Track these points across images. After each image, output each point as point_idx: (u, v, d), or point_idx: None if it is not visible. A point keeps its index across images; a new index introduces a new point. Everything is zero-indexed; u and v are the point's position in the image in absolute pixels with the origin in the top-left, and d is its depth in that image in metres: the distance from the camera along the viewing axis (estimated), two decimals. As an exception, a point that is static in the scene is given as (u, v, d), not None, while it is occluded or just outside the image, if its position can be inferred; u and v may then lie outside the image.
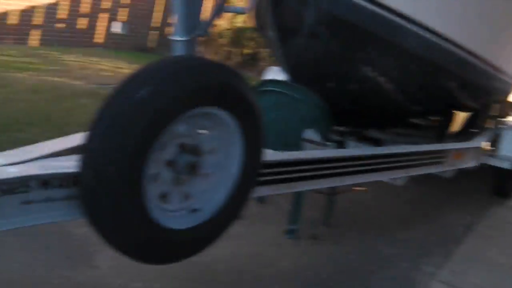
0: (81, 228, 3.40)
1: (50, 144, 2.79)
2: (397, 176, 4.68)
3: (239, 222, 2.91)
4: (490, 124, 7.69)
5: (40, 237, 3.88)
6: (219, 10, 3.27)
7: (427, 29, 4.68)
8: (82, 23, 13.37)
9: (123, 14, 14.06)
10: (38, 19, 12.42)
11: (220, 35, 11.48)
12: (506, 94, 7.40)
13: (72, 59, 11.50)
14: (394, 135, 6.61)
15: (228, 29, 11.93)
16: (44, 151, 2.60)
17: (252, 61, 12.44)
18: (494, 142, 6.89)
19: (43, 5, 12.34)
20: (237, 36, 11.59)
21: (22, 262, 3.65)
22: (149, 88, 2.28)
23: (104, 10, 13.68)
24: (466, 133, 7.70)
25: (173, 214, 2.61)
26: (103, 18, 13.67)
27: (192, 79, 2.44)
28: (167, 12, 13.88)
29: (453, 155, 5.49)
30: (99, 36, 13.76)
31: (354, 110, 5.24)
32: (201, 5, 3.25)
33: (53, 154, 2.60)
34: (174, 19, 3.20)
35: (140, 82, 2.32)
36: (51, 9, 12.58)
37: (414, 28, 4.59)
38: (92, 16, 13.47)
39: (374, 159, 4.35)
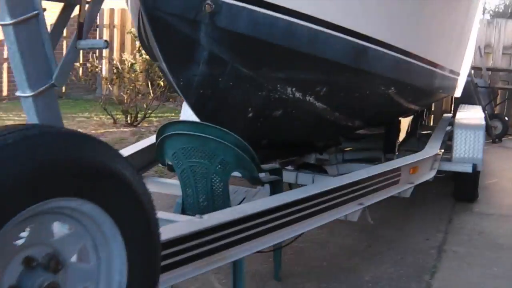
0: None
1: None
2: (352, 211, 3.87)
3: None
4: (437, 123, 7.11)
5: None
6: (72, 51, 2.38)
7: (350, 33, 3.92)
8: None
9: None
10: None
11: (131, 68, 10.57)
12: (451, 91, 6.74)
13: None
14: (338, 154, 5.87)
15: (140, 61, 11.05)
16: None
17: (172, 92, 11.57)
18: (446, 144, 6.24)
19: None
20: (151, 66, 10.76)
21: None
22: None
23: None
24: (413, 137, 7.06)
25: None
26: None
27: (39, 158, 1.62)
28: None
29: (409, 170, 4.74)
30: None
31: (282, 139, 4.44)
32: (50, 47, 2.34)
33: None
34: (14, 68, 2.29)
35: None
36: None
37: (336, 34, 3.81)
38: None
39: (320, 197, 3.54)
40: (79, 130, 1.95)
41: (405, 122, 6.17)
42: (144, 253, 1.94)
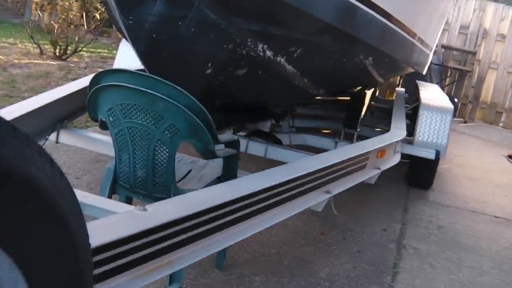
0: None
1: None
2: (319, 200, 3.26)
3: None
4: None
5: None
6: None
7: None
8: None
9: None
10: None
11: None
12: (423, 67, 6.19)
13: None
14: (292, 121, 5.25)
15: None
16: None
17: (108, 26, 10.62)
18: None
19: None
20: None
21: None
22: None
23: None
24: (368, 111, 6.52)
25: None
26: None
27: None
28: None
29: (376, 154, 4.17)
30: None
31: (239, 103, 3.77)
32: None
33: None
34: None
35: None
36: None
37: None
38: None
39: (286, 185, 2.90)
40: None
41: (368, 95, 5.59)
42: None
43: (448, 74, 11.30)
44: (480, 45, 11.29)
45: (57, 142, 3.70)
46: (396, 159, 4.65)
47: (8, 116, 2.93)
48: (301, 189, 3.06)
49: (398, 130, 4.82)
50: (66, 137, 3.71)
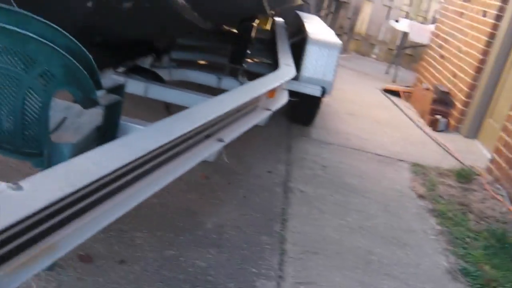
0: None
1: None
2: (213, 150, 2.94)
3: None
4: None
5: None
6: None
7: None
8: None
9: None
10: None
11: None
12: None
13: None
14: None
15: None
16: None
17: None
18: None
19: None
20: None
21: None
22: None
23: None
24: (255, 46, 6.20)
25: None
26: None
27: None
28: None
29: (267, 94, 3.89)
30: None
31: (121, 39, 3.33)
32: None
33: None
34: None
35: None
36: None
37: None
38: None
39: (180, 139, 2.55)
40: None
41: (255, 28, 5.27)
42: None
43: (326, 5, 11.17)
44: (356, -24, 11.25)
45: None
46: (284, 98, 4.40)
47: None
48: (195, 139, 2.73)
49: (287, 67, 4.55)
50: None
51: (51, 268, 2.57)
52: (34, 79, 2.22)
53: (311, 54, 5.10)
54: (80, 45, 2.25)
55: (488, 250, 3.87)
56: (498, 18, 6.66)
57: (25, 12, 2.19)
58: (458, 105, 6.97)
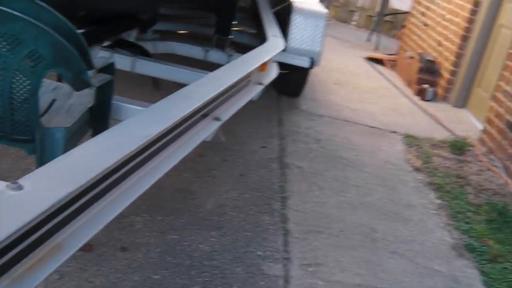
0: None
1: None
2: (212, 130, 2.78)
3: None
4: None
5: None
6: None
7: None
8: None
9: None
10: None
11: None
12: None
13: None
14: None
15: None
16: None
17: None
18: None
19: None
20: None
21: None
22: None
23: None
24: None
25: None
26: None
27: None
28: None
29: (258, 68, 3.72)
30: None
31: (106, 11, 3.12)
32: None
33: None
34: None
35: None
36: None
37: None
38: None
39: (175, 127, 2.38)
40: None
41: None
42: None
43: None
44: None
45: None
46: (275, 71, 4.23)
47: None
48: (192, 120, 2.57)
49: (276, 39, 4.36)
50: None
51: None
52: (21, 61, 2.04)
53: (297, 24, 4.92)
54: (68, 22, 2.07)
55: (490, 225, 3.80)
56: (485, -16, 6.55)
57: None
58: (445, 74, 6.87)
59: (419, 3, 8.44)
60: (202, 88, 2.78)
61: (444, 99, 6.81)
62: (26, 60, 2.03)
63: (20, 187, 1.41)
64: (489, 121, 5.43)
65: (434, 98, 6.83)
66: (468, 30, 6.65)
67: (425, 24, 7.94)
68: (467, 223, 3.78)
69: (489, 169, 4.83)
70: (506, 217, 3.91)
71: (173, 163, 2.35)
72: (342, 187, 3.90)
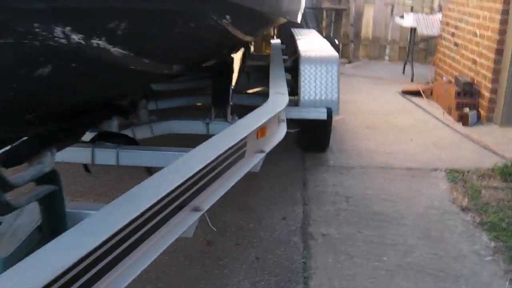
0: None
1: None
2: (189, 223, 2.35)
3: None
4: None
5: None
6: None
7: None
8: None
9: None
10: None
11: None
12: (295, 15, 5.35)
13: None
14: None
15: None
16: None
17: None
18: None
19: None
20: None
21: None
22: None
23: None
24: (242, 73, 5.65)
25: None
26: None
27: None
28: None
29: (256, 134, 3.31)
30: None
31: (59, 110, 2.77)
32: None
33: None
34: None
35: None
36: None
37: None
38: None
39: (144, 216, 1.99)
40: None
41: (237, 59, 4.71)
42: None
43: (325, 16, 10.61)
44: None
45: None
46: (281, 132, 3.80)
47: None
48: (163, 215, 2.17)
49: (278, 95, 3.97)
50: None
51: None
52: None
53: (307, 74, 4.52)
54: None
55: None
56: (509, -10, 6.02)
57: None
58: (485, 93, 6.29)
59: (448, 24, 7.92)
60: (172, 172, 2.38)
61: (489, 119, 6.21)
62: None
63: None
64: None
65: (478, 120, 6.24)
66: (501, 42, 6.10)
67: (456, 44, 7.40)
68: (530, 266, 3.20)
69: (549, 194, 4.23)
70: None
71: (141, 269, 1.95)
72: (376, 250, 3.38)
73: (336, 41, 9.87)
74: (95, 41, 2.34)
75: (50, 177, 2.15)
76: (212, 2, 2.85)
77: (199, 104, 5.10)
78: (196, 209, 2.41)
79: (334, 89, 4.53)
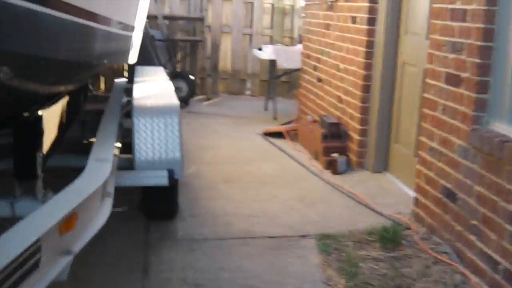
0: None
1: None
2: None
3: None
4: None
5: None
6: None
7: None
8: None
9: None
10: None
11: None
12: (124, 56, 4.43)
13: None
14: None
15: None
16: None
17: None
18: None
19: None
20: None
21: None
22: None
23: None
24: (76, 124, 4.66)
25: None
26: None
27: None
28: None
29: (58, 231, 2.34)
30: None
31: None
32: None
33: None
34: None
35: None
36: None
37: None
38: None
39: None
40: None
41: (54, 115, 3.68)
42: None
43: (179, 49, 9.75)
44: (207, 9, 9.83)
45: None
46: (104, 213, 2.85)
47: None
48: None
49: (98, 165, 3.02)
50: None
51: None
52: None
53: (141, 129, 3.62)
54: None
55: None
56: (371, 21, 5.43)
57: None
58: (354, 135, 5.66)
59: (309, 57, 7.32)
60: None
61: (360, 165, 5.59)
62: None
63: None
64: (420, 190, 4.21)
65: (349, 167, 5.60)
66: (367, 78, 5.50)
67: (319, 80, 6.79)
68: None
69: (437, 261, 3.57)
70: None
71: None
72: None
73: (192, 77, 9.06)
74: None
75: None
76: None
77: None
78: None
79: (176, 146, 3.66)
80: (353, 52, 5.70)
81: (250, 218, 4.34)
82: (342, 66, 6.04)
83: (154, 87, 4.54)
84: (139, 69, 5.86)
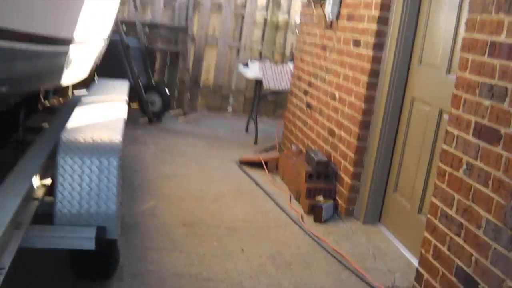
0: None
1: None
2: None
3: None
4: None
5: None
6: None
7: None
8: None
9: None
10: None
11: None
12: (56, 78, 3.51)
13: None
14: None
15: None
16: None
17: None
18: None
19: None
20: None
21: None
22: None
23: None
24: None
25: None
26: None
27: None
28: None
29: None
30: None
31: None
32: None
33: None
34: None
35: None
36: None
37: None
38: None
39: None
40: None
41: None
42: None
43: (158, 58, 8.79)
44: (192, 19, 8.89)
45: None
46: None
47: None
48: None
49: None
50: None
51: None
52: None
53: (67, 172, 2.69)
54: None
55: None
56: (378, 47, 4.53)
57: None
58: (345, 177, 4.75)
59: (300, 79, 6.41)
60: None
61: (349, 213, 4.69)
62: None
63: None
64: (426, 264, 3.30)
65: (335, 213, 4.69)
66: (368, 112, 4.61)
67: (309, 106, 5.89)
68: None
69: None
70: None
71: None
72: None
73: (167, 90, 8.13)
74: None
75: None
76: None
77: None
78: None
79: (111, 197, 2.72)
80: (353, 81, 4.80)
81: (206, 283, 3.40)
82: (337, 94, 5.14)
83: (100, 112, 3.61)
84: (98, 83, 4.95)
